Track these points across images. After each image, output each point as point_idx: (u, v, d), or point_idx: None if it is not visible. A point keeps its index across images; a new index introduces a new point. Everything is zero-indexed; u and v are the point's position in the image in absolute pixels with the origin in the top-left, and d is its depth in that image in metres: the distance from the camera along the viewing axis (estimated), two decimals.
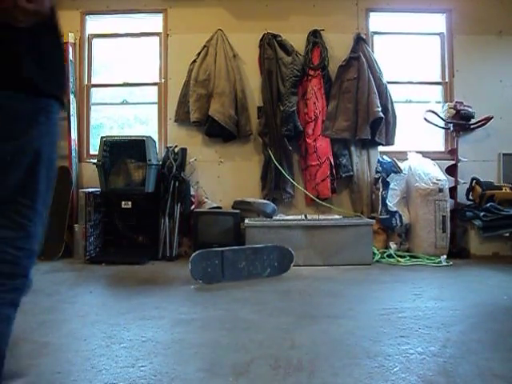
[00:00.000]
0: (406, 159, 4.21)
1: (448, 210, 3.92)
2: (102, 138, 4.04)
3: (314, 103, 4.29)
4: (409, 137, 4.53)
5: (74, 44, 4.49)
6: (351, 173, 4.33)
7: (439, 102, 4.58)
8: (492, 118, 4.20)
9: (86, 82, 4.63)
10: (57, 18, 1.17)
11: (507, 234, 3.92)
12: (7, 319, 1.12)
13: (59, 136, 1.21)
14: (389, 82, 4.36)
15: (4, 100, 1.07)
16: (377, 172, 4.21)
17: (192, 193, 4.17)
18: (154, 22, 4.63)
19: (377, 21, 4.61)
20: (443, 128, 4.39)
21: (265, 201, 4.17)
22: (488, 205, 3.91)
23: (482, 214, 3.88)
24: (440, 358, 1.75)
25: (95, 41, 4.66)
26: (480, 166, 4.37)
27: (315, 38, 4.39)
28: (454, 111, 4.24)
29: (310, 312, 2.40)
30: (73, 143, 4.36)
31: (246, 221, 3.77)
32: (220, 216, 4.01)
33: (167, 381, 1.59)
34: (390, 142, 4.31)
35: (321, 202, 4.25)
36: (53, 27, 1.16)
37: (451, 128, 4.31)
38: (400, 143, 4.39)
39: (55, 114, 1.17)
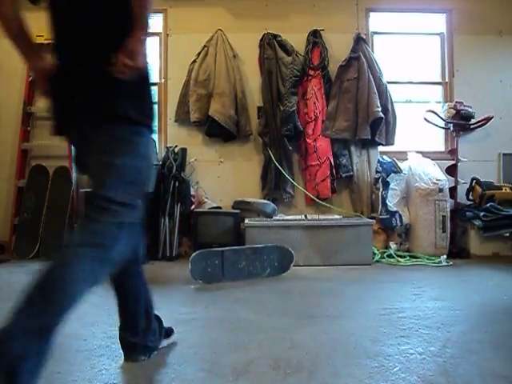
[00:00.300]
0: (406, 159, 4.21)
1: (448, 210, 3.92)
2: None
3: (314, 103, 4.29)
4: (409, 137, 4.53)
5: None
6: (351, 173, 4.33)
7: (439, 102, 4.58)
8: (492, 117, 4.20)
9: None
10: (148, 69, 1.55)
11: (507, 234, 3.93)
12: (79, 279, 1.40)
13: (151, 151, 1.62)
14: (389, 82, 4.36)
15: (108, 125, 1.46)
16: (377, 172, 4.21)
17: (192, 193, 4.17)
18: (153, 21, 4.63)
19: (377, 21, 4.62)
20: (443, 128, 4.40)
21: (265, 201, 4.17)
22: (488, 205, 3.91)
23: (482, 213, 3.88)
24: (440, 358, 1.75)
25: None
26: (480, 166, 4.37)
27: (315, 38, 4.39)
28: (454, 111, 4.24)
29: (310, 312, 2.39)
30: None
31: (246, 221, 3.77)
32: (220, 216, 4.01)
33: (167, 381, 1.59)
34: (389, 142, 4.31)
35: (321, 202, 4.25)
36: (145, 76, 1.53)
37: (451, 128, 4.31)
38: (400, 143, 4.40)
39: (146, 136, 1.55)
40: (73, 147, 1.66)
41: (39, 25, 4.73)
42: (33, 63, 1.61)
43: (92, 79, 1.46)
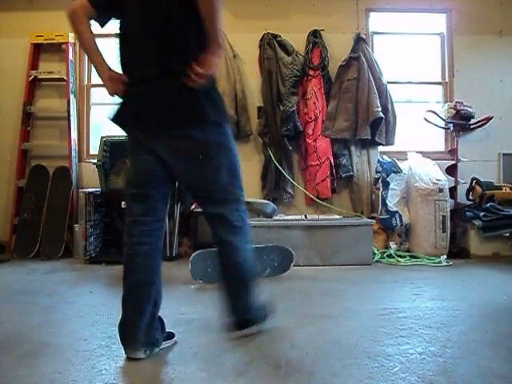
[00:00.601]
0: (406, 159, 4.21)
1: (448, 210, 3.92)
2: (102, 138, 4.04)
3: (314, 103, 4.29)
4: (409, 137, 4.52)
5: (74, 44, 4.48)
6: (351, 173, 4.33)
7: (439, 102, 4.58)
8: (492, 117, 4.19)
9: (86, 82, 4.63)
10: (215, 77, 1.84)
11: (507, 234, 3.92)
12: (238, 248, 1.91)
13: (234, 140, 1.91)
14: (389, 82, 4.36)
15: (200, 136, 1.75)
16: (377, 172, 4.21)
17: None
18: None
19: (377, 21, 4.61)
20: (443, 128, 4.39)
21: (265, 201, 4.17)
22: (488, 205, 3.91)
23: (482, 213, 3.88)
24: (440, 358, 1.75)
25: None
26: (480, 166, 4.37)
27: (315, 38, 4.39)
28: (454, 111, 4.23)
29: (310, 312, 2.40)
30: (73, 143, 4.37)
31: None
32: None
33: (167, 381, 1.59)
34: (389, 142, 4.31)
35: (321, 201, 4.24)
36: (214, 83, 1.82)
37: (451, 128, 4.30)
38: (400, 143, 4.39)
39: (228, 130, 1.86)
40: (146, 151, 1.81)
41: (39, 25, 4.74)
42: (103, 73, 1.87)
43: (173, 91, 1.71)
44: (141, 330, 1.76)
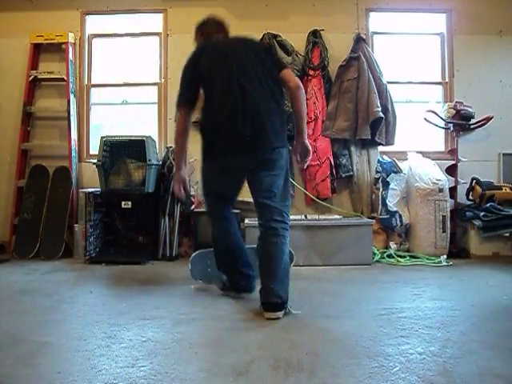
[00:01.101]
0: (406, 159, 4.21)
1: (448, 210, 3.92)
2: (102, 138, 4.03)
3: (314, 103, 4.29)
4: (409, 137, 4.52)
5: (74, 44, 4.49)
6: (351, 173, 4.33)
7: (439, 102, 4.57)
8: (492, 117, 4.19)
9: (86, 82, 4.62)
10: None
11: (507, 234, 3.92)
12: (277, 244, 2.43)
13: (288, 159, 2.56)
14: (389, 82, 4.35)
15: (282, 152, 2.46)
16: (377, 172, 4.21)
17: (192, 193, 4.17)
18: (153, 22, 4.63)
19: (377, 21, 4.60)
20: (443, 128, 4.39)
21: None
22: (488, 205, 3.91)
23: (482, 213, 3.88)
24: (440, 358, 1.75)
25: (95, 41, 4.66)
26: (480, 166, 4.36)
27: (315, 38, 4.39)
28: (454, 111, 4.23)
29: (310, 312, 2.40)
30: (73, 143, 4.36)
31: (246, 221, 3.77)
32: None
33: (167, 381, 1.59)
34: (389, 142, 4.30)
35: (321, 201, 4.24)
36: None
37: (451, 128, 4.30)
38: (400, 143, 4.38)
39: (285, 151, 2.51)
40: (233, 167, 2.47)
41: (39, 25, 4.73)
42: (178, 174, 2.56)
43: (267, 124, 2.41)
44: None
